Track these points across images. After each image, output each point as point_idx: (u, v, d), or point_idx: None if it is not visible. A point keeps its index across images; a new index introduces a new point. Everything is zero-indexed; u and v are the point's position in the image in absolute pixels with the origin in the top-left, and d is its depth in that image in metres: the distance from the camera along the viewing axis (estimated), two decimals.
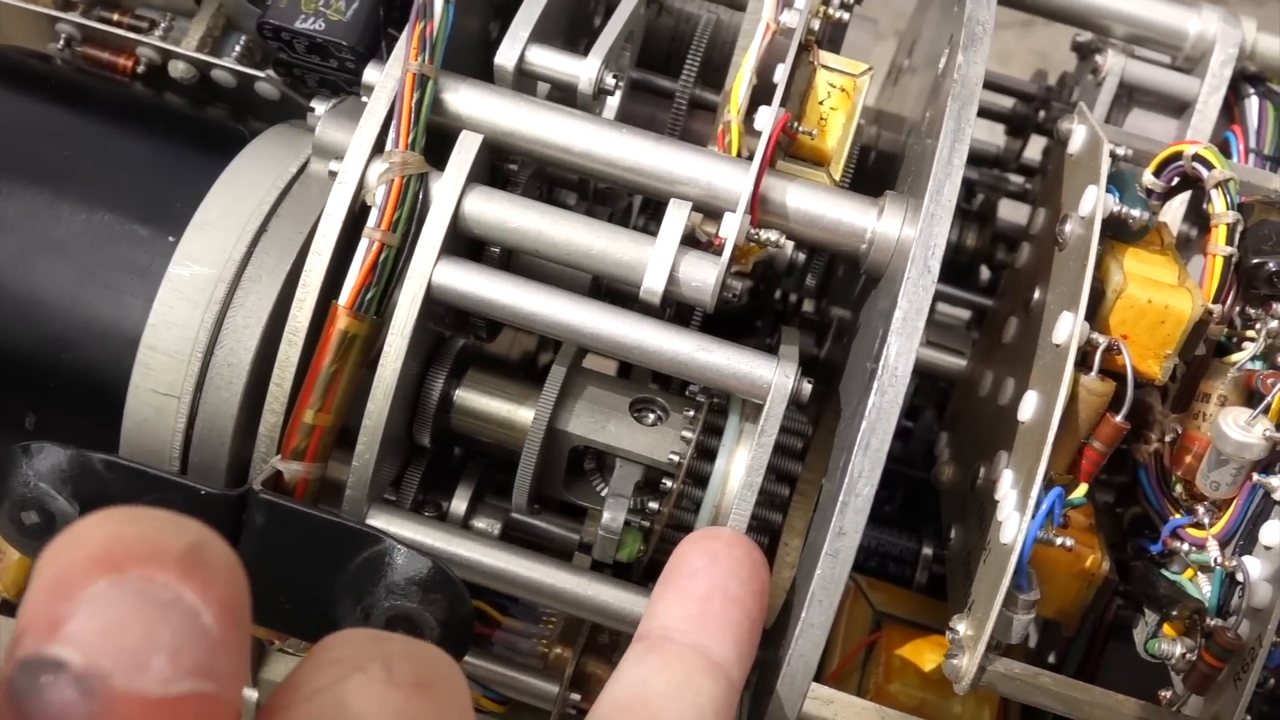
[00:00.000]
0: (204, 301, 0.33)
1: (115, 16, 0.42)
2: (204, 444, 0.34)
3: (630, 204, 0.44)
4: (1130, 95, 0.43)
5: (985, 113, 0.52)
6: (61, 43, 0.41)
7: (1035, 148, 0.52)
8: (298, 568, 0.31)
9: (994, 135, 0.55)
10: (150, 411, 0.33)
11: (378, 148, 0.33)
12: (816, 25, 0.37)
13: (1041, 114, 0.48)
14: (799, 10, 0.37)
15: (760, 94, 0.36)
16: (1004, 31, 1.05)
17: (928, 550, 0.44)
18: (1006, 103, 0.52)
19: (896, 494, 0.49)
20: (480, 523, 0.38)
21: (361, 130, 0.33)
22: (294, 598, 0.32)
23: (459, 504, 0.37)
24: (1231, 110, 0.42)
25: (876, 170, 0.46)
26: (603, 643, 0.39)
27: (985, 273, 0.52)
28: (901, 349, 0.29)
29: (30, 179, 0.35)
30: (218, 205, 0.34)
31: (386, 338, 0.33)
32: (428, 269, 0.32)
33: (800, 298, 0.47)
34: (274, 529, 0.31)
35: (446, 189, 0.33)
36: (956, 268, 0.51)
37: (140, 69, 0.40)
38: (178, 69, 0.40)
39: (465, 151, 0.33)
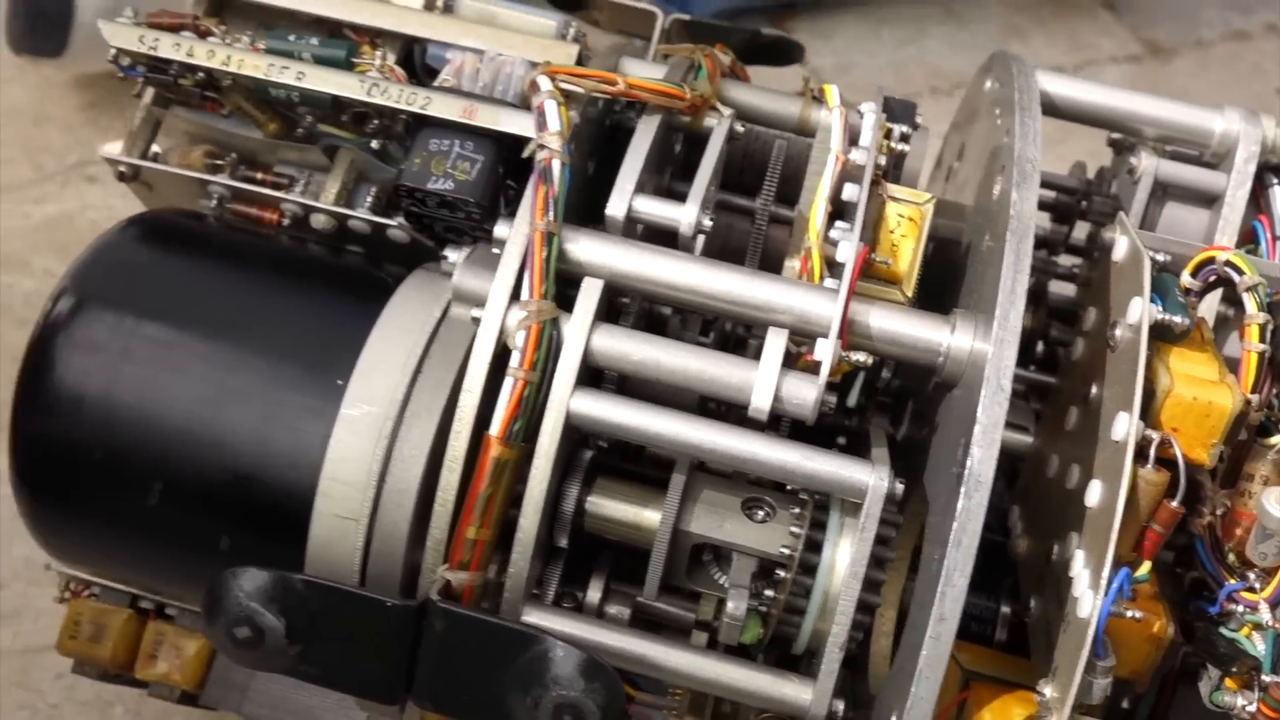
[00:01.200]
0: (374, 437, 0.39)
1: (259, 175, 0.47)
2: (380, 559, 0.39)
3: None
4: (1164, 190, 0.48)
5: None
6: (215, 201, 0.46)
7: (1080, 229, 0.57)
8: (473, 665, 0.37)
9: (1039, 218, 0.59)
10: (333, 533, 0.39)
11: (514, 295, 0.39)
12: (883, 160, 0.42)
13: (1084, 204, 0.53)
14: (866, 149, 0.42)
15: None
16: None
17: (1005, 609, 0.49)
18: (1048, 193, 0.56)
19: None
20: (612, 609, 0.43)
21: (499, 282, 0.39)
22: (470, 691, 0.37)
23: (594, 594, 0.42)
24: (1258, 200, 0.47)
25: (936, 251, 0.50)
26: (725, 711, 0.44)
27: (1039, 346, 0.56)
28: (984, 458, 0.34)
29: (212, 332, 0.41)
30: (377, 351, 0.40)
31: (534, 462, 0.38)
32: (565, 400, 0.38)
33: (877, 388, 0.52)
34: (451, 633, 0.37)
35: (576, 330, 0.38)
36: None
37: (285, 221, 0.46)
38: (319, 220, 0.45)
39: (589, 297, 0.39)
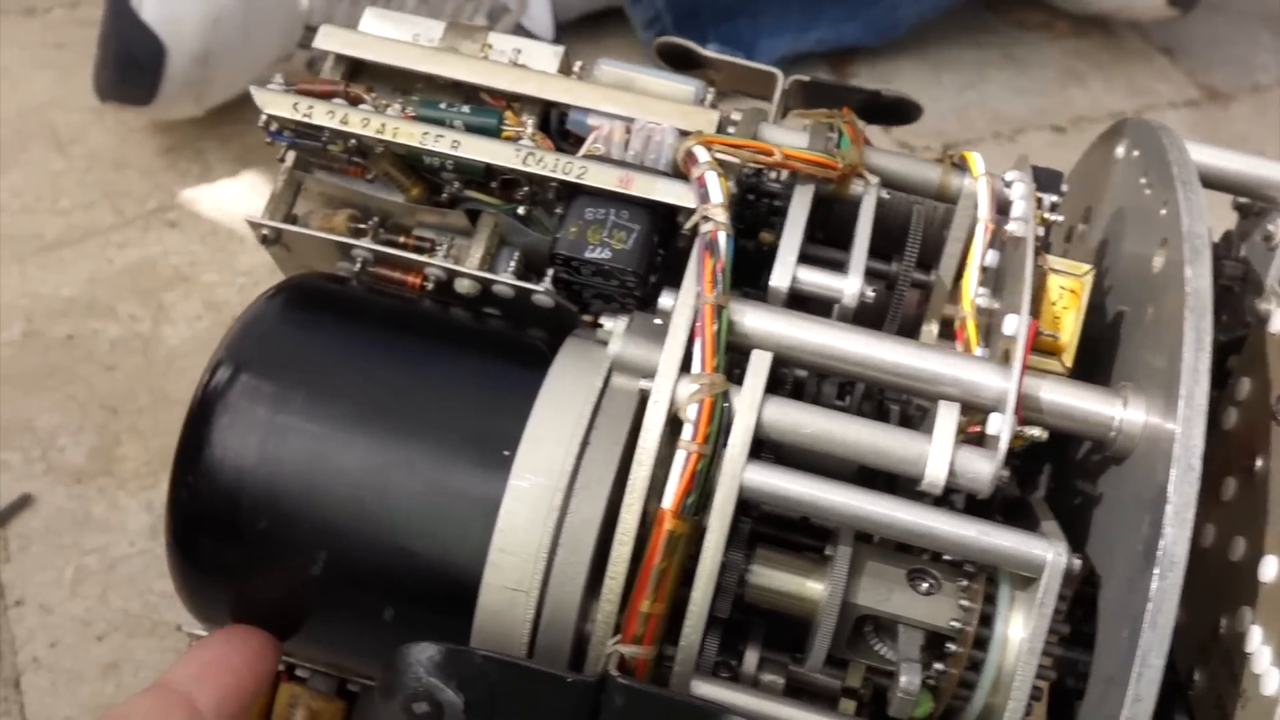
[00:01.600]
0: (544, 509, 0.39)
1: (400, 239, 0.48)
2: (550, 630, 0.39)
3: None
4: None
5: None
6: (358, 265, 0.46)
7: None
8: None
9: None
10: (502, 605, 0.39)
11: (683, 367, 0.39)
12: (1040, 231, 0.42)
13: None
14: (1024, 219, 0.42)
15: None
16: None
17: None
18: None
19: None
20: (766, 677, 0.43)
21: (668, 354, 0.39)
22: None
23: (750, 662, 0.42)
24: None
25: None
26: None
27: None
28: (1177, 538, 0.34)
29: (374, 399, 0.41)
30: (543, 420, 0.40)
31: (706, 536, 0.38)
32: (739, 473, 0.38)
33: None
34: (630, 709, 0.36)
35: (748, 404, 0.38)
36: None
37: (428, 284, 0.46)
38: (464, 285, 0.45)
39: (759, 371, 0.39)
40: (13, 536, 0.71)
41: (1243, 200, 0.52)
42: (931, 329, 0.46)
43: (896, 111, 0.56)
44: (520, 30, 1.01)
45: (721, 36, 1.07)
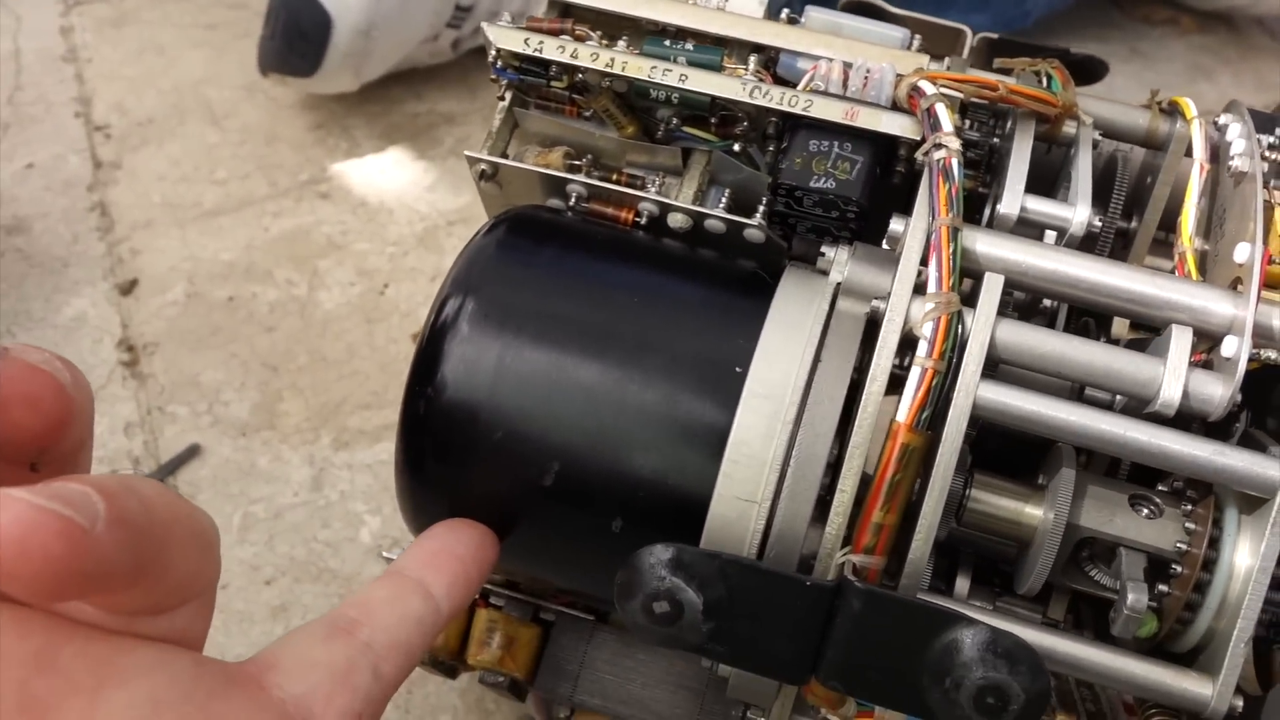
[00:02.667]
0: (778, 422, 0.40)
1: (613, 176, 0.49)
2: (779, 542, 0.40)
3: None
4: None
5: None
6: (573, 200, 0.48)
7: None
8: (888, 646, 0.37)
9: None
10: (733, 515, 0.40)
11: (916, 289, 0.40)
12: (1265, 167, 0.42)
13: None
14: (1248, 155, 0.42)
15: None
16: None
17: None
18: None
19: None
20: (976, 603, 0.43)
21: (902, 275, 0.40)
22: (884, 672, 0.38)
23: (960, 589, 0.43)
24: None
25: None
26: (1091, 711, 0.44)
27: None
28: None
29: (607, 321, 0.42)
30: (773, 340, 0.41)
31: (940, 447, 0.39)
32: (973, 389, 0.39)
33: None
34: (867, 613, 0.37)
35: (983, 323, 0.39)
36: None
37: (640, 219, 0.47)
38: (676, 219, 0.47)
39: (992, 291, 0.40)
40: (182, 484, 0.74)
41: None
42: None
43: (1084, 69, 0.56)
44: None
45: None
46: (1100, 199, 0.48)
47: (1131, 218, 0.48)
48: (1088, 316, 0.46)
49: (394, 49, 0.90)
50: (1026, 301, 0.46)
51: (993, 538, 0.42)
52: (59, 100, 0.98)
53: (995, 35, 0.55)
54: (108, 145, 0.94)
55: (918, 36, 0.49)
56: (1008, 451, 0.44)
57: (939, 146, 0.41)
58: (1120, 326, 0.48)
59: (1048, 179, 0.48)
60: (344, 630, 0.37)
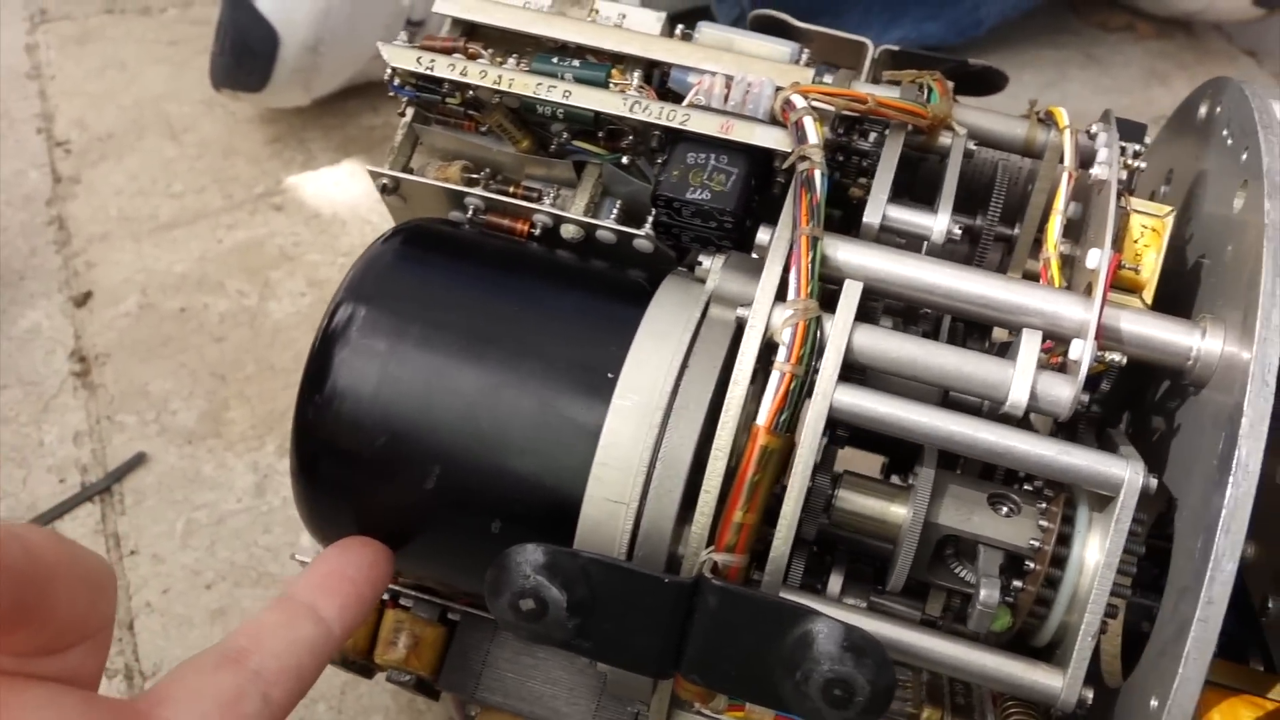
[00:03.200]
0: (645, 425, 0.41)
1: (510, 189, 0.51)
2: (647, 541, 0.41)
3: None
4: None
5: None
6: (469, 213, 0.50)
7: None
8: (743, 641, 0.39)
9: None
10: (603, 516, 0.41)
11: (778, 297, 0.41)
12: (1123, 175, 0.44)
13: None
14: (1108, 165, 0.44)
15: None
16: None
17: None
18: None
19: None
20: (849, 601, 0.45)
21: (765, 282, 0.41)
22: (739, 666, 0.39)
23: (834, 587, 0.44)
24: None
25: None
26: (960, 704, 0.45)
27: None
28: (1251, 449, 0.36)
29: (489, 329, 0.44)
30: (645, 347, 0.42)
31: (798, 450, 0.40)
32: (829, 393, 0.40)
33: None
34: (723, 610, 0.39)
35: (840, 327, 0.41)
36: None
37: (535, 231, 0.49)
38: (569, 230, 0.48)
39: (850, 298, 0.41)
40: (128, 491, 0.76)
41: None
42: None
43: (983, 81, 0.58)
44: None
45: None
46: (985, 205, 0.50)
47: (1015, 224, 0.50)
48: (960, 323, 0.48)
49: (344, 64, 0.92)
50: (902, 309, 0.47)
51: (863, 536, 0.44)
52: (21, 117, 1.00)
53: (896, 48, 0.56)
54: (68, 160, 0.96)
55: (806, 51, 0.50)
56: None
57: (804, 159, 0.42)
58: (1002, 335, 0.50)
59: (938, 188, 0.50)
60: (232, 659, 0.38)
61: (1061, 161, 0.47)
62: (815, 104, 0.45)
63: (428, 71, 0.47)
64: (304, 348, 0.83)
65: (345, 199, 0.95)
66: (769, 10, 0.57)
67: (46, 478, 0.75)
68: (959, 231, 0.43)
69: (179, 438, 0.78)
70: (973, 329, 0.49)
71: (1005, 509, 0.42)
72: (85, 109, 1.00)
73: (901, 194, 0.49)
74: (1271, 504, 0.45)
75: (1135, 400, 0.48)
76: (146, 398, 0.80)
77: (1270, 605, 0.42)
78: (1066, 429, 0.42)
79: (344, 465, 0.44)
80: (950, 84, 0.50)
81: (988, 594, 0.40)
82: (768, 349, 0.41)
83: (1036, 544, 0.41)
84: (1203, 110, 0.50)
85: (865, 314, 0.43)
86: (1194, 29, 1.23)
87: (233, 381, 0.82)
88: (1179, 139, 0.53)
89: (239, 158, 0.97)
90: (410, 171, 0.52)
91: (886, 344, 0.41)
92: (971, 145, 0.47)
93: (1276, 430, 0.45)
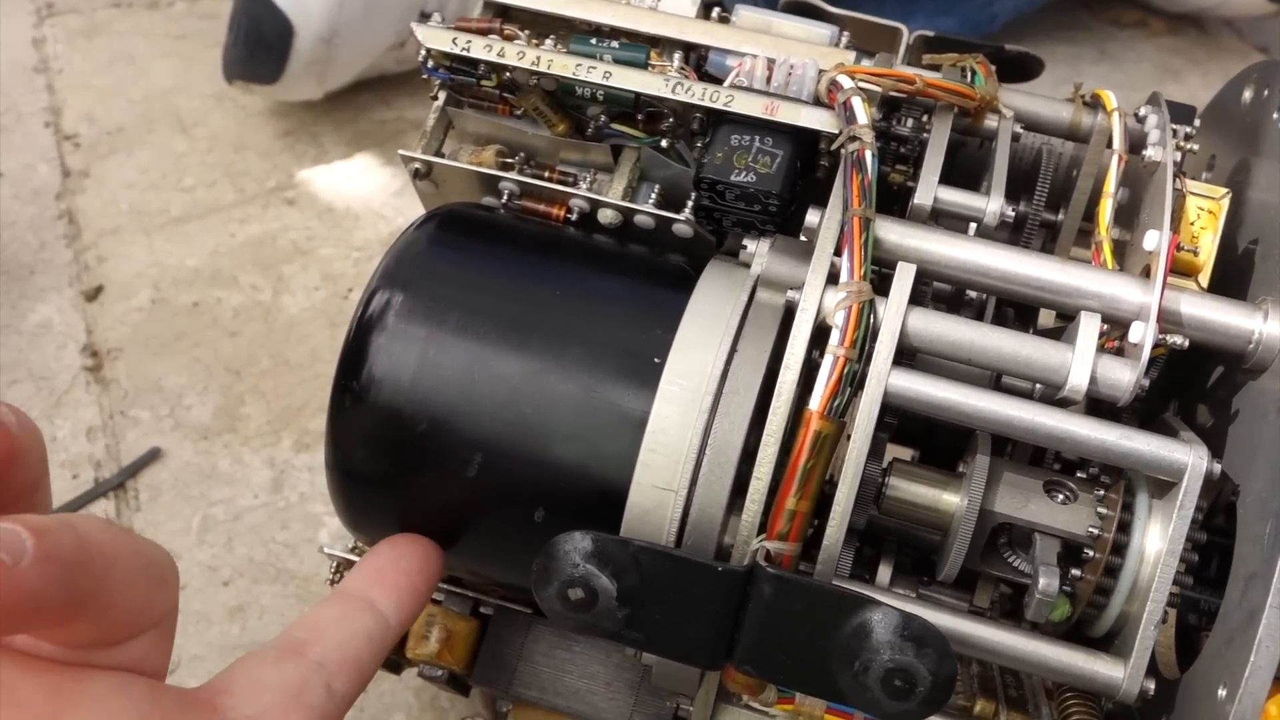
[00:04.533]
0: (694, 411, 0.40)
1: (545, 174, 0.50)
2: (696, 529, 0.40)
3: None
4: None
5: None
6: (505, 197, 0.49)
7: None
8: (799, 630, 0.38)
9: None
10: (650, 504, 0.40)
11: (830, 280, 0.40)
12: (1178, 156, 0.43)
13: None
14: (1160, 146, 0.43)
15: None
16: None
17: None
18: None
19: None
20: (898, 592, 0.44)
21: (816, 265, 0.40)
22: (794, 656, 0.38)
23: (883, 577, 0.44)
24: None
25: None
26: (1013, 697, 0.44)
27: None
28: None
29: (531, 314, 0.43)
30: (692, 331, 0.42)
31: (853, 434, 0.39)
32: (884, 376, 0.39)
33: None
34: (778, 598, 0.38)
35: (894, 311, 0.40)
36: None
37: (571, 216, 0.48)
38: (606, 215, 0.47)
39: (904, 280, 0.40)
40: (143, 487, 0.74)
41: None
42: None
43: (1019, 67, 0.57)
44: None
45: None
46: (1026, 191, 0.49)
47: (1059, 210, 0.49)
48: (1009, 307, 0.47)
49: (358, 56, 0.91)
50: (951, 293, 0.46)
51: (914, 525, 0.43)
52: (29, 110, 0.98)
53: (931, 33, 0.56)
54: (77, 154, 0.95)
55: (846, 34, 0.49)
56: (959, 442, 0.45)
57: (853, 139, 0.41)
58: (1048, 318, 0.49)
59: (979, 174, 0.49)
60: (294, 651, 0.37)
61: (1110, 145, 0.46)
62: (864, 84, 0.44)
63: (463, 52, 0.46)
64: (319, 343, 0.83)
65: (358, 193, 0.94)
66: None
67: (60, 473, 0.74)
68: (1011, 213, 0.42)
69: (194, 433, 0.77)
70: (1019, 314, 0.48)
71: (1061, 496, 0.41)
72: (94, 103, 0.99)
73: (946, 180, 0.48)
74: None
75: (1181, 387, 0.47)
76: (160, 393, 0.79)
77: None
78: (1110, 417, 0.41)
79: (382, 454, 0.43)
80: (993, 67, 0.50)
81: (1047, 582, 0.39)
82: (818, 334, 0.40)
83: (1095, 531, 0.40)
84: (1248, 95, 0.49)
85: (916, 297, 0.42)
86: (1206, 25, 1.23)
87: (247, 376, 0.81)
88: (1218, 126, 0.53)
89: (250, 152, 0.96)
90: (441, 157, 0.51)
91: (941, 327, 0.40)
92: (1018, 128, 0.46)
93: None
